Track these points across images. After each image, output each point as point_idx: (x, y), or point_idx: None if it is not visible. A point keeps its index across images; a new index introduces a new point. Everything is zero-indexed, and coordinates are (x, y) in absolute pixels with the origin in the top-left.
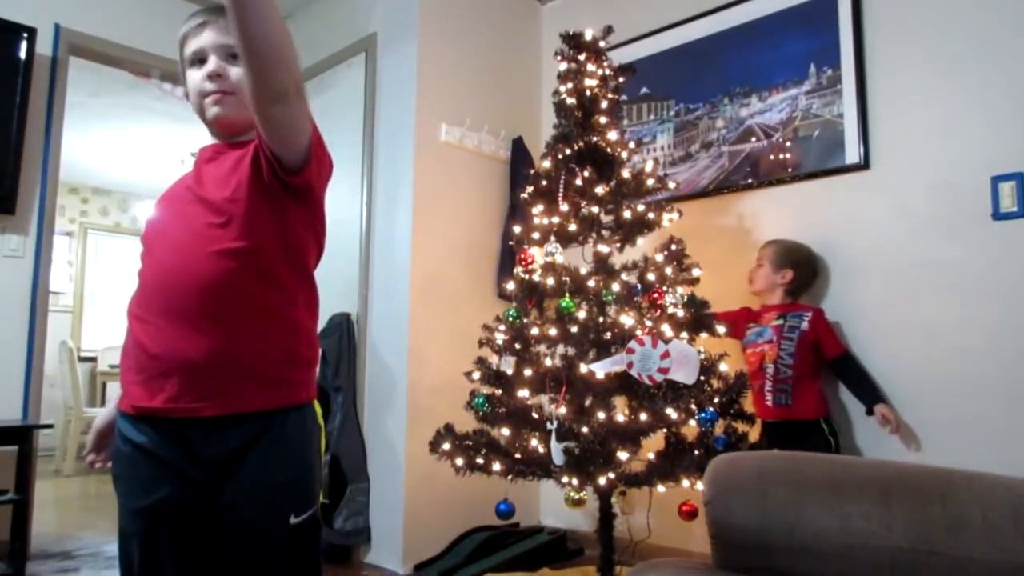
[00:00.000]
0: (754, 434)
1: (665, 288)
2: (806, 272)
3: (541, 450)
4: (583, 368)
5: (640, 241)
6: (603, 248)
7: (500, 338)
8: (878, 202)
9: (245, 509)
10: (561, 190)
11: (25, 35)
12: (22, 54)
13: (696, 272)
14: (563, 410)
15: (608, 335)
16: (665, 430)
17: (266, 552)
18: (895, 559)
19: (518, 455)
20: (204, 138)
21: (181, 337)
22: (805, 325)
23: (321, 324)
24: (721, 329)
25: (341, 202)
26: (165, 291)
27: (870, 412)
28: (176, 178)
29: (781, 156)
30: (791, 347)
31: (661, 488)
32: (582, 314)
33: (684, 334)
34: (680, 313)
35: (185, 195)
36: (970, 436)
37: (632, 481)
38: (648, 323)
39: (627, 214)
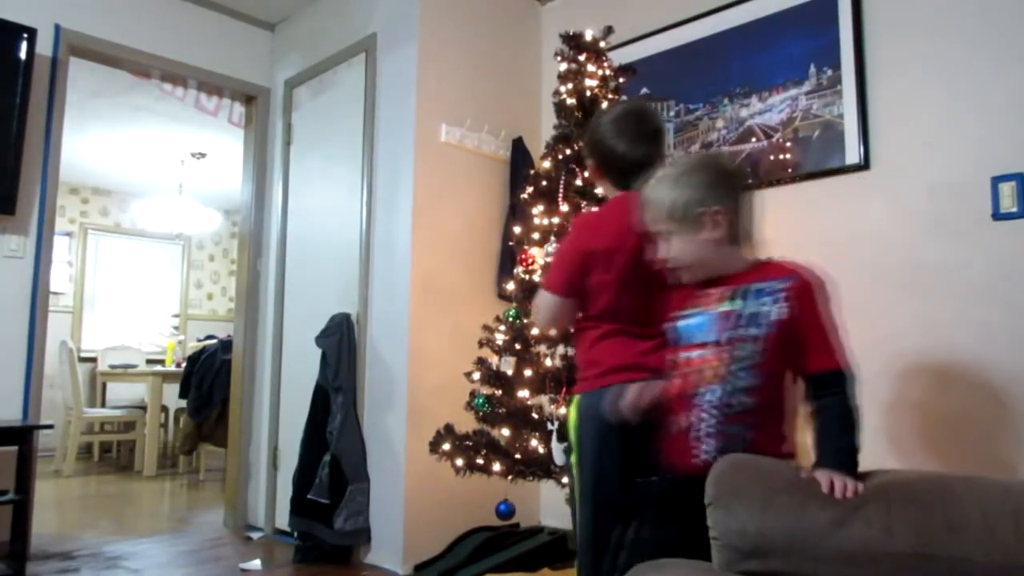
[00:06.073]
0: None
1: None
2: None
3: (541, 450)
4: None
5: None
6: None
7: (500, 338)
8: (878, 202)
9: None
10: (561, 190)
11: (25, 35)
12: (22, 54)
13: None
14: (563, 410)
15: None
16: None
17: None
18: (896, 563)
19: (518, 455)
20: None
21: None
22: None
23: (321, 324)
24: None
25: (341, 202)
26: None
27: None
28: None
29: (781, 156)
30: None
31: None
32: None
33: None
34: None
35: None
36: (970, 436)
37: None
38: None
39: None
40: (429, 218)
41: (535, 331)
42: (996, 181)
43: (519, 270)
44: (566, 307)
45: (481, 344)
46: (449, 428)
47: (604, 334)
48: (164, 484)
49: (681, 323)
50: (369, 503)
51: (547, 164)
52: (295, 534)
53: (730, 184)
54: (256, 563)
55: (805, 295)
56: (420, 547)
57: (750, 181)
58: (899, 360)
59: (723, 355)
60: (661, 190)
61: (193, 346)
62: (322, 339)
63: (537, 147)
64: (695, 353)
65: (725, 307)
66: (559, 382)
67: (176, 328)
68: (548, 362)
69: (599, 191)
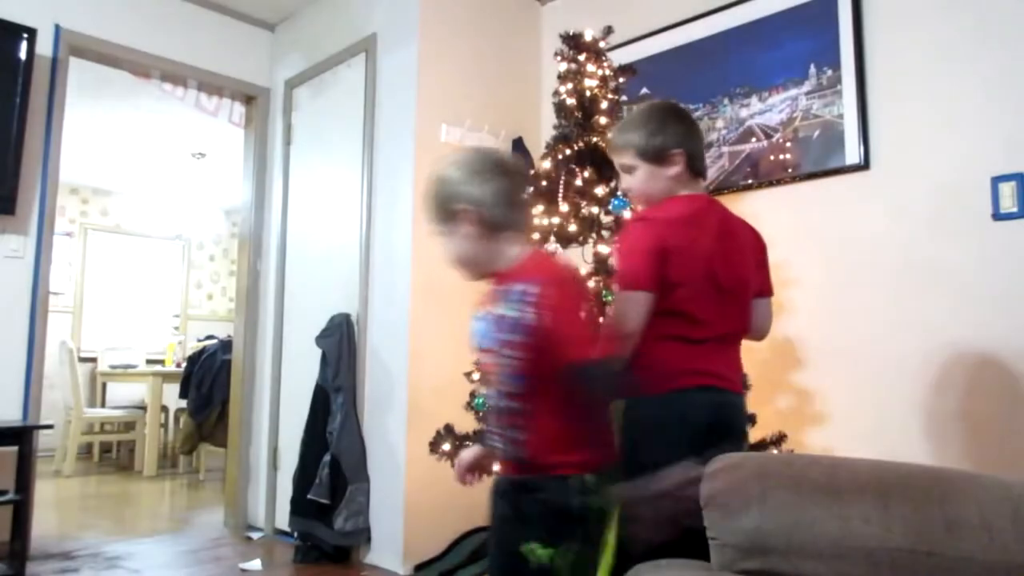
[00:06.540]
0: (754, 434)
1: None
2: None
3: None
4: None
5: None
6: (603, 248)
7: None
8: (878, 202)
9: None
10: (561, 190)
11: (25, 35)
12: (22, 54)
13: None
14: None
15: None
16: None
17: None
18: (894, 560)
19: None
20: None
21: None
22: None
23: (321, 324)
24: None
25: (341, 202)
26: None
27: None
28: None
29: (781, 156)
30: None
31: None
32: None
33: None
34: None
35: None
36: (969, 436)
37: None
38: None
39: (627, 214)
40: None
41: None
42: (996, 181)
43: None
44: (652, 303)
45: None
46: (449, 428)
47: (661, 336)
48: (164, 484)
49: (473, 325)
50: (369, 503)
51: (547, 164)
52: (295, 534)
53: (483, 178)
54: (256, 563)
55: (548, 299)
56: (420, 547)
57: (512, 172)
58: (898, 360)
59: (495, 359)
60: (429, 189)
61: (193, 346)
62: (322, 339)
63: (537, 147)
64: (484, 358)
65: (492, 309)
66: None
67: (176, 328)
68: None
69: (599, 191)
